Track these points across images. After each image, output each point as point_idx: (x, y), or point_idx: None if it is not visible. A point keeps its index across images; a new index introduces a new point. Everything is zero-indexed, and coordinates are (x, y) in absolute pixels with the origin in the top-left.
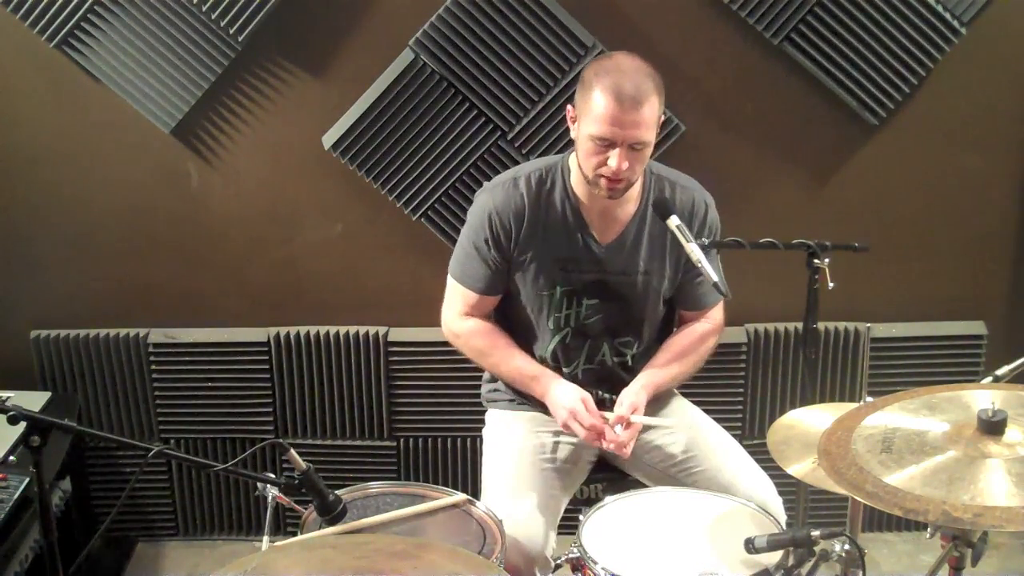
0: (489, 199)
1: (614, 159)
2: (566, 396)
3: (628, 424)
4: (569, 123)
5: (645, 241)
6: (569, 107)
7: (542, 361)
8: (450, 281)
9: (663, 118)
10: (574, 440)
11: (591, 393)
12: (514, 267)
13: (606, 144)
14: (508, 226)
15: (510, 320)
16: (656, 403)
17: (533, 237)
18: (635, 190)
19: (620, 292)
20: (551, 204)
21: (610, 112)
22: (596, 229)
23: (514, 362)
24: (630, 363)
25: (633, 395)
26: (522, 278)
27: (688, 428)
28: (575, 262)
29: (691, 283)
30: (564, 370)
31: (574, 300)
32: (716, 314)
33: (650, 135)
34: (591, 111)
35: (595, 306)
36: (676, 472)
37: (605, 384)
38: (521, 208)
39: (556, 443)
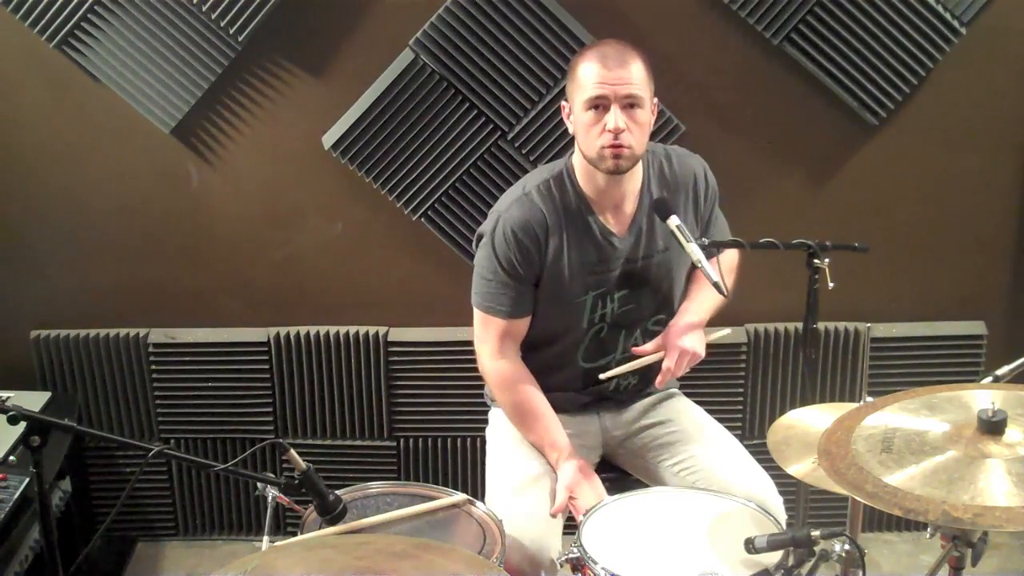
0: (507, 220)
1: (611, 119)
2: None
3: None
4: (565, 119)
5: (657, 218)
6: (563, 103)
7: (573, 363)
8: (477, 315)
9: (656, 104)
10: (578, 440)
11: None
12: (543, 280)
13: (600, 107)
14: (535, 235)
15: (540, 332)
16: (658, 402)
17: (560, 246)
18: (638, 170)
19: (646, 276)
20: (567, 209)
21: (597, 72)
22: (611, 222)
23: (538, 425)
24: None
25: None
26: (551, 289)
27: (689, 427)
28: (603, 262)
29: (705, 231)
30: (601, 362)
31: (606, 298)
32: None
33: (641, 92)
34: (580, 83)
35: (625, 296)
36: (678, 471)
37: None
38: (542, 219)
39: None
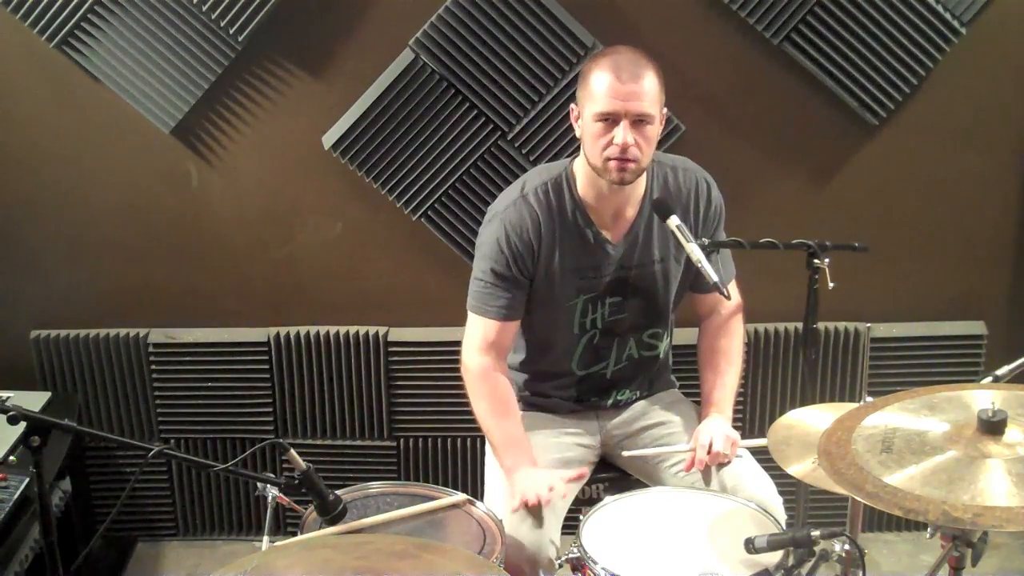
0: (503, 221)
1: (619, 134)
2: (532, 480)
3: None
4: (573, 122)
5: (656, 228)
6: (572, 106)
7: (569, 369)
8: (469, 318)
9: (665, 113)
10: (578, 439)
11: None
12: (535, 282)
13: (610, 121)
14: (529, 241)
15: (534, 336)
16: (657, 402)
17: (552, 249)
18: (641, 178)
19: (640, 285)
20: (563, 213)
21: (610, 85)
22: (608, 229)
23: (507, 422)
24: (660, 355)
25: (721, 439)
26: (543, 292)
27: (689, 428)
28: (594, 268)
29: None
30: (594, 368)
31: (597, 303)
32: (733, 293)
33: (652, 109)
34: (592, 93)
35: (618, 304)
36: (677, 471)
37: (637, 379)
38: (536, 221)
39: (560, 443)
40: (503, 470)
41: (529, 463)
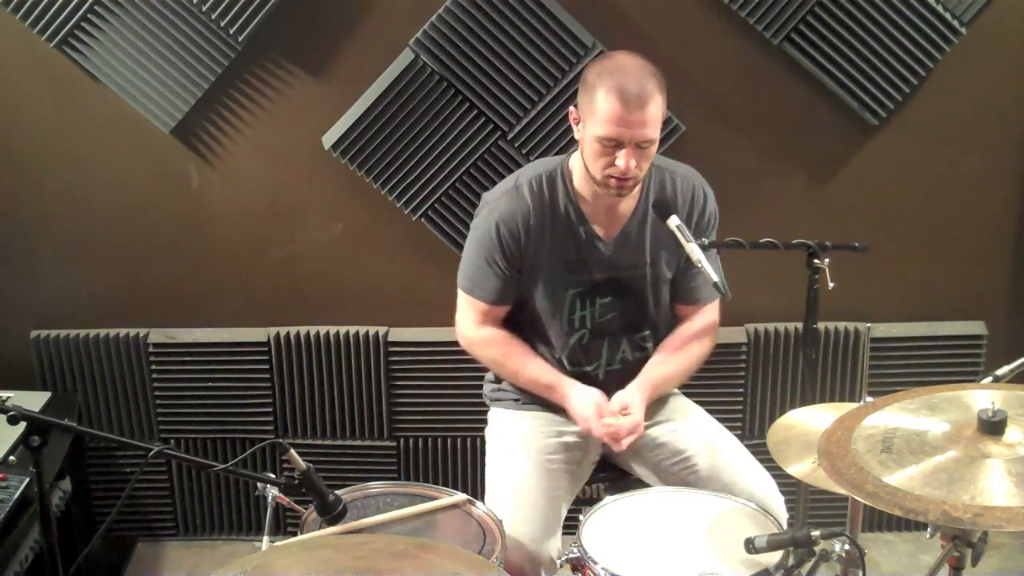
0: (494, 210)
1: (622, 159)
2: (582, 407)
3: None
4: (572, 124)
5: (649, 231)
6: (572, 108)
7: (559, 364)
8: (460, 294)
9: (665, 115)
10: (578, 440)
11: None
12: (524, 274)
13: (613, 145)
14: (517, 233)
15: (522, 326)
16: (657, 402)
17: (541, 242)
18: None
19: (632, 286)
20: (555, 208)
21: (616, 113)
22: (601, 227)
23: (529, 371)
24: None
25: (625, 395)
26: (532, 284)
27: (689, 426)
28: (583, 263)
29: (686, 274)
30: (586, 368)
31: (587, 301)
32: (710, 313)
33: (656, 133)
34: (596, 113)
35: (609, 304)
36: (678, 470)
37: (630, 381)
38: (527, 214)
39: (560, 443)
40: (558, 401)
41: (575, 385)
